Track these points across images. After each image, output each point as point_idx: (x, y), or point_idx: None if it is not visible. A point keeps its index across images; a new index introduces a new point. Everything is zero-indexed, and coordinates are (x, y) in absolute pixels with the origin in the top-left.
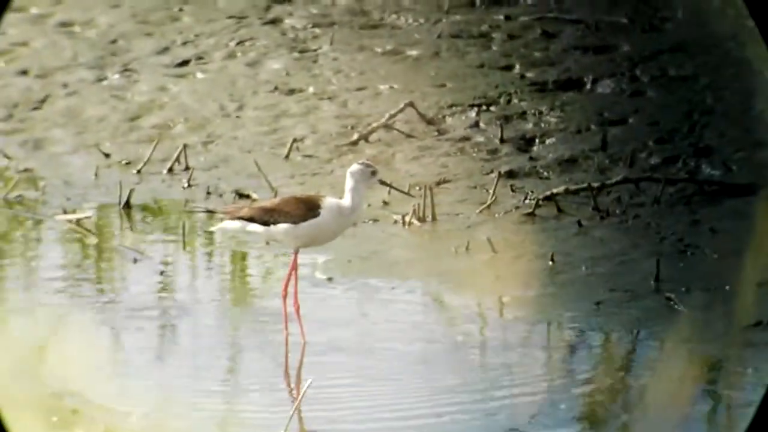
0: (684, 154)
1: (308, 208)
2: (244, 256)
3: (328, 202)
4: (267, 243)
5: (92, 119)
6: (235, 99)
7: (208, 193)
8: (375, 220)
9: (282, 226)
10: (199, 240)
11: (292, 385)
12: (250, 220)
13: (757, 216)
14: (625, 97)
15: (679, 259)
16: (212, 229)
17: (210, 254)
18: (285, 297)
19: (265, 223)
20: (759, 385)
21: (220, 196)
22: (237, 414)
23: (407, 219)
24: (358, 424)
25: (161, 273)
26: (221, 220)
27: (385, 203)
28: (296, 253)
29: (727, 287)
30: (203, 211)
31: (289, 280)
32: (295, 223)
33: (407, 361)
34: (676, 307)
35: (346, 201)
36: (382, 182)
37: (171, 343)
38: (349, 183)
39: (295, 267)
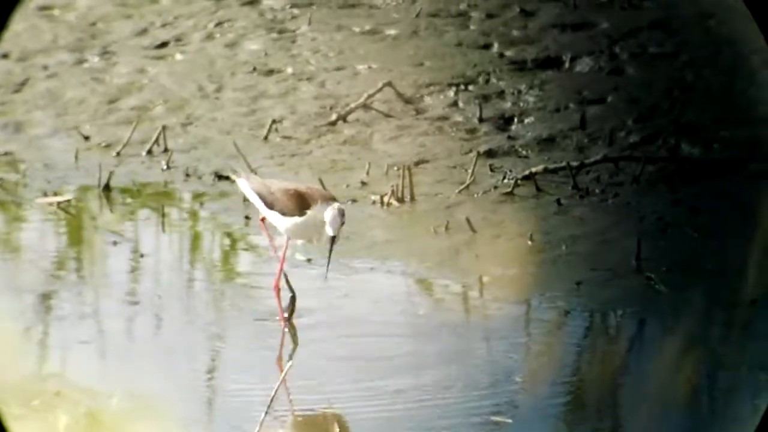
0: (664, 133)
1: (299, 206)
2: (230, 238)
3: (319, 208)
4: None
5: (72, 101)
6: (214, 80)
7: (187, 174)
8: (354, 201)
9: (274, 213)
10: (180, 223)
11: (273, 367)
12: (258, 193)
13: (740, 195)
14: (604, 75)
15: (659, 238)
16: (233, 177)
17: (192, 236)
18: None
19: (265, 203)
20: (740, 363)
21: (199, 178)
22: (220, 397)
23: (386, 199)
24: (340, 404)
25: (141, 255)
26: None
27: (364, 183)
28: (288, 240)
29: (708, 266)
30: (226, 177)
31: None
32: (283, 214)
33: (388, 341)
34: (656, 286)
35: (328, 227)
36: (331, 242)
37: (151, 325)
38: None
39: (284, 252)
